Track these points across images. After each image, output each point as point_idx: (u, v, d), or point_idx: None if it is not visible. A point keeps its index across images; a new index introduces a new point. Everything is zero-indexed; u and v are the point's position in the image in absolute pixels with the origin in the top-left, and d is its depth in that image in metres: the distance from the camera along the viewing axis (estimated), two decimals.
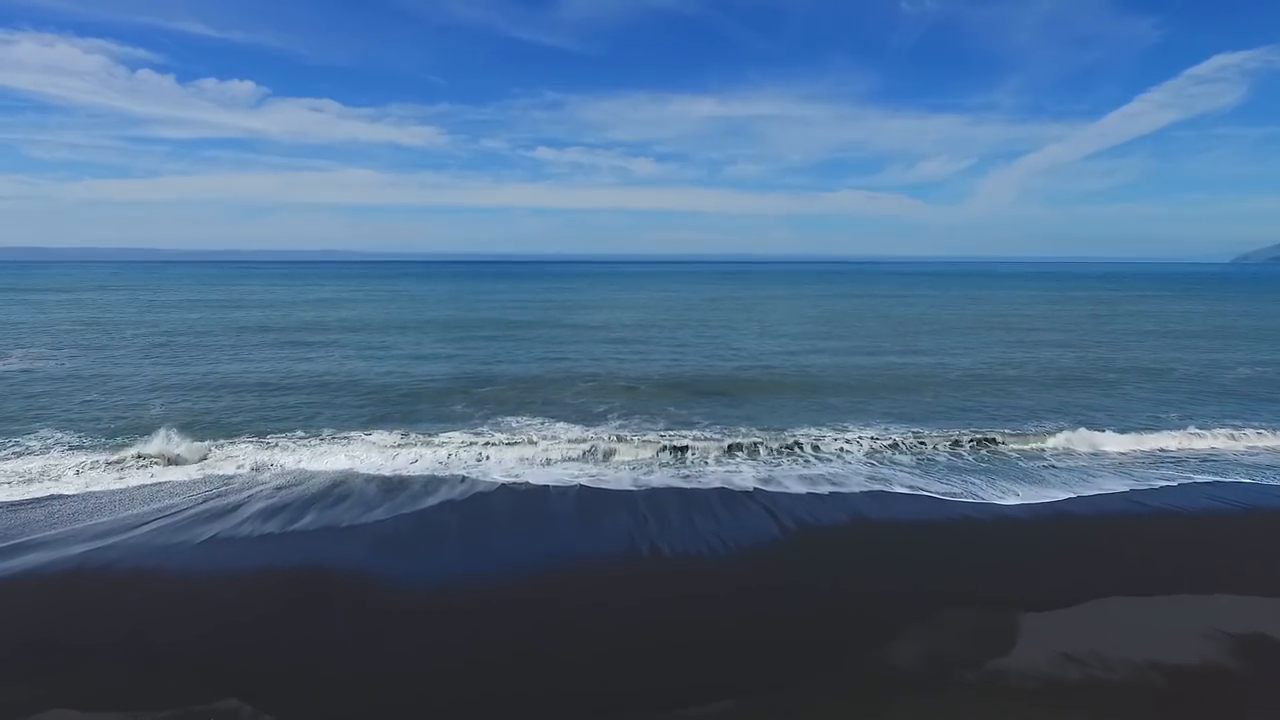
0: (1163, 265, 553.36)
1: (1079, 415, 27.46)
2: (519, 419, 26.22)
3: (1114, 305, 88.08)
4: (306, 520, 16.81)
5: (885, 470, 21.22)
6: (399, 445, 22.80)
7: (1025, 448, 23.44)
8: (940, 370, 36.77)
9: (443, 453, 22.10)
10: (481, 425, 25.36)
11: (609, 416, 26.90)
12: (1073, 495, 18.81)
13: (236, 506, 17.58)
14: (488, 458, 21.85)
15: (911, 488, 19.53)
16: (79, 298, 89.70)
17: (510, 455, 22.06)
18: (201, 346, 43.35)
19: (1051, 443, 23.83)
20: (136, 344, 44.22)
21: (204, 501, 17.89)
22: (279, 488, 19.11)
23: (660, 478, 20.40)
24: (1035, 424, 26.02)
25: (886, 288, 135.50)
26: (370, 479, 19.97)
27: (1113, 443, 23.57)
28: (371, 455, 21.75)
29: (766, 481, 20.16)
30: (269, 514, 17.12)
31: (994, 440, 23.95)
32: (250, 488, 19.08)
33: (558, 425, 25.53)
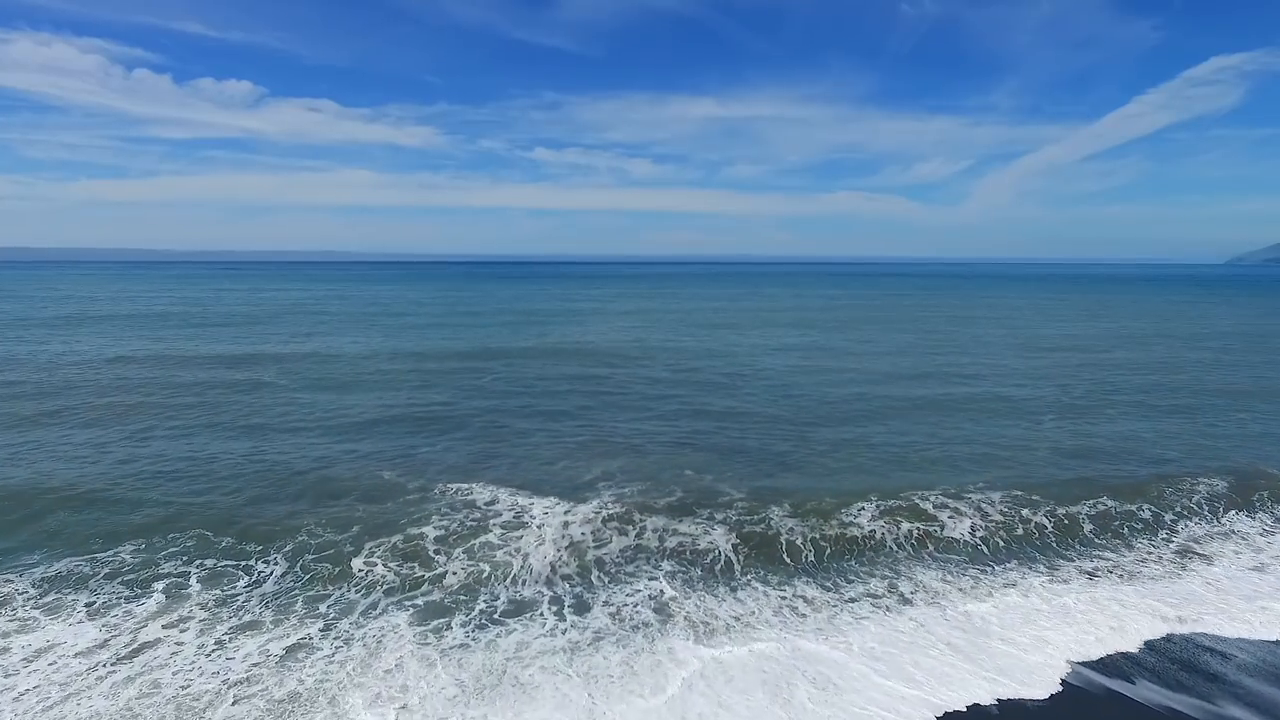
0: (1161, 267, 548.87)
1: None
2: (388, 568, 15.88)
3: (1168, 319, 79.55)
4: None
5: (1052, 624, 13.03)
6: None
7: (1236, 565, 15.35)
8: (1029, 425, 28.40)
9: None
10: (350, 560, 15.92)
11: (589, 497, 18.53)
12: None
13: None
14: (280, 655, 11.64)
15: (1133, 682, 11.34)
16: (13, 309, 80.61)
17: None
18: (68, 390, 32.52)
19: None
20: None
21: None
22: None
23: (676, 643, 12.12)
24: (1215, 523, 17.89)
25: (898, 294, 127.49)
26: None
27: None
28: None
29: (835, 639, 12.08)
30: None
31: (1167, 554, 15.91)
32: None
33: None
